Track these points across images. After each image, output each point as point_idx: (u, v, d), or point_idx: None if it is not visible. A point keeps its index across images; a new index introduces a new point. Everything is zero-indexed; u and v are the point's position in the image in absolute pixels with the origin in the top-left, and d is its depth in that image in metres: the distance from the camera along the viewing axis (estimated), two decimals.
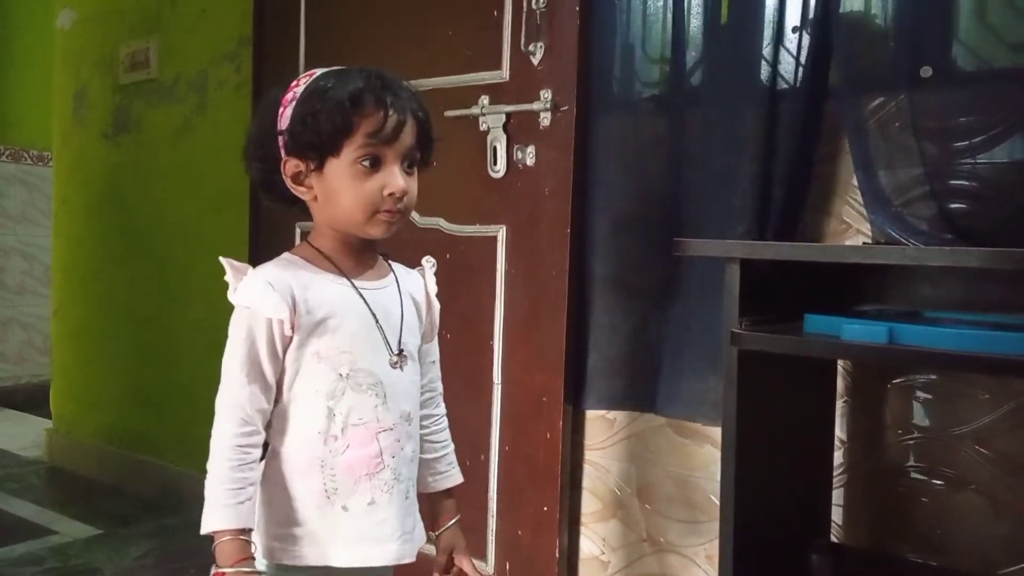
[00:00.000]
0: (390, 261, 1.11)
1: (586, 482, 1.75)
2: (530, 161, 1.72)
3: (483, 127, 1.77)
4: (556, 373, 1.68)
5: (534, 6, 1.70)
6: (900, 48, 1.33)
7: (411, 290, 1.10)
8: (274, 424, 1.01)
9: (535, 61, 1.71)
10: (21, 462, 3.00)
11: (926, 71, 1.29)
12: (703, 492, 1.59)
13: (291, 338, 0.98)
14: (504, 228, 1.76)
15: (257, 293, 0.97)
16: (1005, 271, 1.19)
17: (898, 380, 1.37)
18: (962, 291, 1.27)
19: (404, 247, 1.73)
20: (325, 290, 1.00)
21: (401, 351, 1.04)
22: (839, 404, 1.43)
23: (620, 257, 1.64)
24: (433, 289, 1.14)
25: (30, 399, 3.72)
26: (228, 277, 0.99)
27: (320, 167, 0.98)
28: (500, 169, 1.75)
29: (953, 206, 1.27)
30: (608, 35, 1.64)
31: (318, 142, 0.97)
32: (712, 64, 1.53)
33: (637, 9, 1.62)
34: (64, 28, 3.01)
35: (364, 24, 2.02)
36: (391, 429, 1.02)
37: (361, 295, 1.02)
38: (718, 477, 1.18)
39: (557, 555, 1.71)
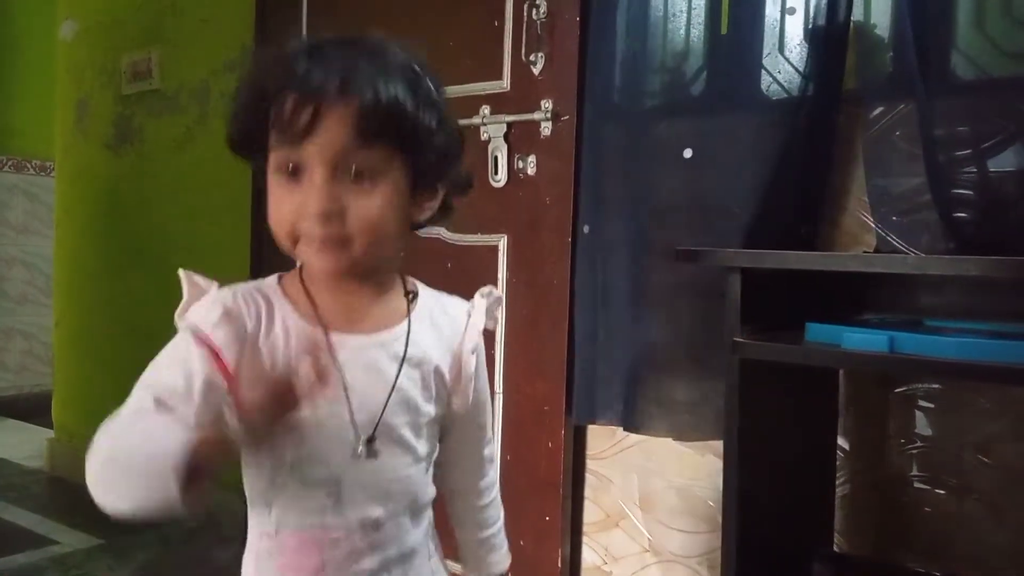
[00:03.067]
0: (420, 295, 0.85)
1: (588, 492, 1.75)
2: (531, 170, 1.72)
3: (484, 137, 1.78)
4: (557, 382, 1.68)
5: (535, 16, 1.70)
6: (901, 58, 1.33)
7: (432, 344, 0.83)
8: None
9: (536, 71, 1.71)
10: (22, 471, 2.99)
11: (928, 82, 1.30)
12: (705, 502, 1.59)
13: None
14: (505, 237, 1.76)
15: (208, 317, 0.76)
16: (1006, 279, 1.19)
17: (900, 389, 1.37)
18: (964, 300, 1.27)
19: (405, 258, 1.74)
20: (289, 337, 0.76)
21: (372, 438, 0.77)
22: (841, 413, 1.43)
23: (622, 266, 1.64)
24: (473, 340, 0.87)
25: (32, 409, 3.71)
26: (184, 292, 0.80)
27: (256, 171, 0.79)
28: (501, 178, 1.76)
29: (955, 215, 1.27)
30: (608, 45, 1.65)
31: (238, 140, 0.78)
32: (712, 73, 1.54)
33: (637, 19, 1.62)
34: (66, 39, 3.03)
35: (365, 33, 2.02)
36: (342, 539, 0.77)
37: (331, 352, 0.76)
38: (720, 487, 1.18)
39: (559, 565, 1.70)
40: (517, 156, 1.74)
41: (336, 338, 0.77)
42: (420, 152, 0.76)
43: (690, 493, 1.61)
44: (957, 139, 1.27)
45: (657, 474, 1.65)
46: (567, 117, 1.67)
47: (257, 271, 2.27)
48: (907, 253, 1.30)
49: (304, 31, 2.15)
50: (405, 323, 0.82)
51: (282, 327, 0.77)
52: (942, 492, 1.34)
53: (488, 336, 1.75)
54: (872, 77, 1.38)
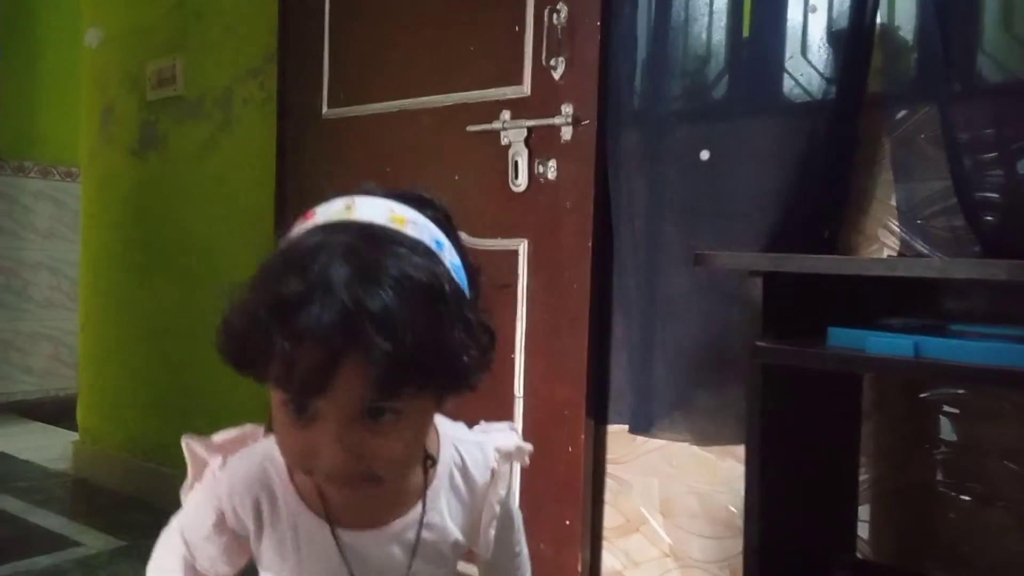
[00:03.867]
0: (440, 461, 0.79)
1: (608, 496, 1.74)
2: (551, 175, 1.72)
3: (504, 141, 1.78)
4: (578, 386, 1.68)
5: (555, 21, 1.71)
6: (927, 60, 1.32)
7: (451, 516, 0.79)
8: None
9: (556, 76, 1.71)
10: (47, 474, 3.02)
11: (953, 84, 1.29)
12: (726, 507, 1.58)
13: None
14: (525, 242, 1.77)
15: (200, 529, 0.76)
16: None
17: (924, 394, 1.36)
18: (989, 304, 1.26)
19: None
20: (297, 535, 0.74)
21: None
22: (864, 419, 1.41)
23: (642, 271, 1.64)
24: (492, 512, 0.81)
25: (57, 412, 3.76)
26: (188, 464, 0.79)
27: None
28: (522, 183, 1.76)
29: (981, 218, 1.26)
30: (629, 49, 1.65)
31: (234, 362, 0.68)
32: (735, 77, 1.53)
33: (658, 23, 1.62)
34: (92, 46, 3.06)
35: (387, 40, 2.04)
36: None
37: (340, 549, 0.73)
38: (742, 492, 1.17)
39: (579, 569, 1.70)
40: (537, 161, 1.74)
41: (346, 536, 0.73)
42: (450, 382, 0.67)
43: (711, 498, 1.60)
44: (983, 142, 1.26)
45: (677, 479, 1.64)
46: (587, 122, 1.67)
47: None
48: (932, 257, 1.28)
49: (326, 38, 2.17)
50: (419, 508, 0.76)
51: (289, 522, 0.73)
52: (967, 499, 1.32)
53: (508, 340, 1.76)
54: (897, 79, 1.37)
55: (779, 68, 1.45)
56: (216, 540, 0.76)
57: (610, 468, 1.74)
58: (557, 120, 1.70)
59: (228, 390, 2.34)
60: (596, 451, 1.74)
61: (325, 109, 2.18)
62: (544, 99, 1.73)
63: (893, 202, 1.36)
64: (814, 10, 1.44)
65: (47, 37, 4.11)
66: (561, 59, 1.70)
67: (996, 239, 1.23)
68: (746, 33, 1.50)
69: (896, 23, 1.38)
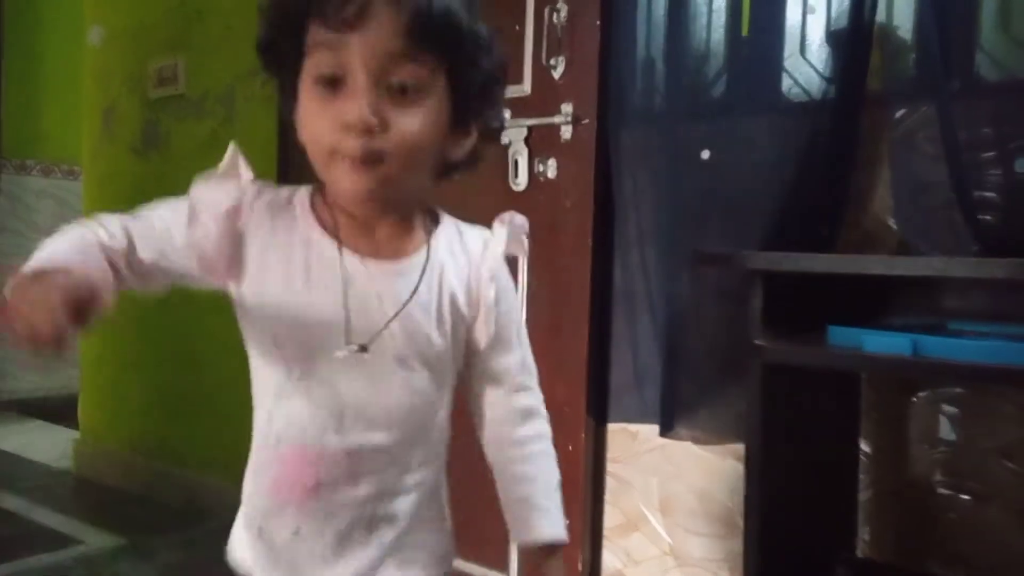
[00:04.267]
0: (442, 223, 0.82)
1: (608, 496, 1.75)
2: (551, 174, 1.73)
3: (505, 141, 1.78)
4: (578, 385, 1.68)
5: (555, 20, 1.71)
6: (925, 59, 1.33)
7: (449, 274, 0.79)
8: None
9: (556, 75, 1.71)
10: (49, 472, 3.03)
11: (952, 83, 1.29)
12: (726, 506, 1.58)
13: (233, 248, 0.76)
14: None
15: (211, 200, 0.76)
16: None
17: (923, 393, 1.36)
18: (988, 303, 1.26)
19: None
20: (308, 250, 0.75)
21: (364, 347, 0.74)
22: (863, 418, 1.42)
23: (641, 269, 1.64)
24: (490, 267, 0.82)
25: (58, 410, 3.76)
26: (223, 164, 0.79)
27: (294, 92, 0.74)
28: (521, 182, 1.76)
29: (979, 217, 1.26)
30: (629, 48, 1.65)
31: (269, 48, 0.75)
32: (733, 76, 1.53)
33: (657, 22, 1.63)
34: (94, 45, 3.07)
35: None
36: (341, 460, 0.75)
37: (342, 262, 0.74)
38: (742, 491, 1.17)
39: (580, 568, 1.70)
40: (537, 160, 1.75)
41: (349, 259, 0.75)
42: (467, 73, 0.72)
43: (710, 497, 1.60)
44: (981, 141, 1.26)
45: (677, 478, 1.64)
46: (587, 121, 1.67)
47: None
48: (931, 255, 1.29)
49: None
50: (423, 253, 0.78)
51: (302, 238, 0.75)
52: (966, 497, 1.32)
53: None
54: (896, 79, 1.37)
55: (778, 67, 1.45)
56: (212, 226, 0.74)
57: (610, 467, 1.74)
58: (557, 119, 1.70)
59: (228, 388, 2.35)
60: (596, 450, 1.74)
61: None
62: (544, 98, 1.74)
63: (892, 201, 1.36)
64: (812, 11, 1.45)
65: (50, 36, 4.12)
66: (561, 58, 1.71)
67: (994, 238, 1.23)
68: (745, 32, 1.50)
69: (895, 23, 1.39)
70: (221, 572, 0.83)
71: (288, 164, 2.31)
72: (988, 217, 1.25)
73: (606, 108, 1.67)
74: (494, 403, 0.85)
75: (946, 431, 1.34)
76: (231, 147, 0.78)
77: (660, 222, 1.61)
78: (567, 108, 1.69)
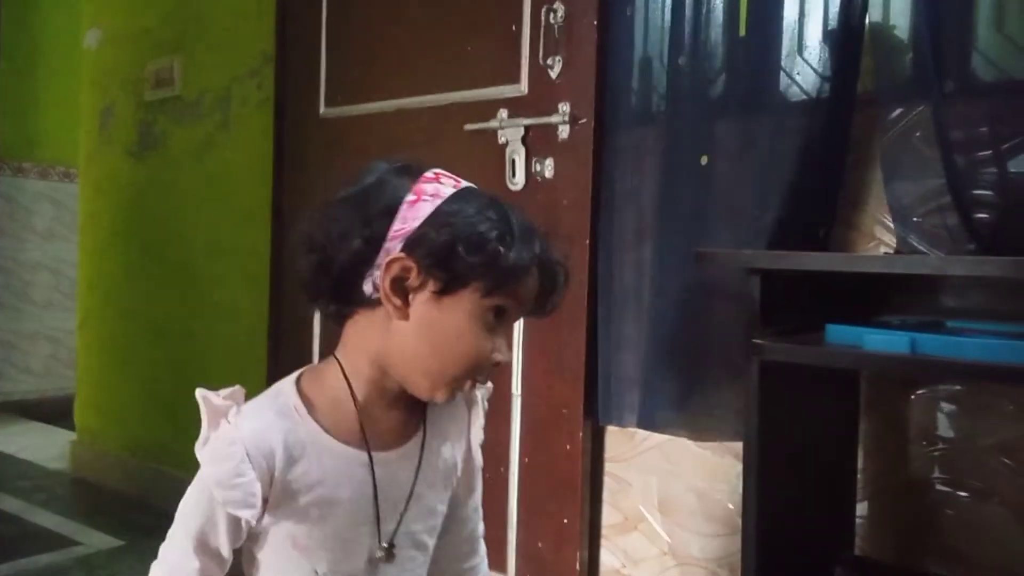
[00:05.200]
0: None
1: (607, 495, 1.75)
2: (549, 174, 1.73)
3: (502, 140, 1.78)
4: (576, 385, 1.68)
5: (552, 20, 1.71)
6: (921, 59, 1.33)
7: (444, 446, 0.89)
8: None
9: (553, 74, 1.72)
10: (46, 473, 3.03)
11: (947, 83, 1.29)
12: (725, 505, 1.58)
13: (263, 513, 0.79)
14: None
15: (225, 473, 0.77)
16: None
17: (921, 391, 1.36)
18: (985, 301, 1.26)
19: None
20: (323, 465, 0.80)
21: (391, 545, 0.83)
22: (862, 416, 1.42)
23: (639, 269, 1.64)
24: (478, 438, 0.93)
25: (55, 411, 3.76)
26: (203, 416, 0.79)
27: (440, 293, 0.78)
28: (519, 182, 1.76)
29: (975, 216, 1.26)
30: (626, 48, 1.65)
31: (458, 270, 0.77)
32: (731, 76, 1.53)
33: (655, 22, 1.63)
34: (91, 48, 3.07)
35: (384, 40, 2.04)
36: None
37: (372, 472, 0.82)
38: (740, 490, 1.17)
39: (578, 568, 1.70)
40: (535, 159, 1.75)
41: (376, 455, 0.82)
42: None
43: (709, 496, 1.60)
44: (977, 140, 1.26)
45: (676, 477, 1.65)
46: (584, 120, 1.67)
47: (277, 274, 2.29)
48: (928, 254, 1.29)
49: (323, 39, 2.17)
50: (420, 432, 0.87)
51: (315, 451, 0.79)
52: (965, 495, 1.32)
53: None
54: (890, 78, 1.38)
55: (776, 67, 1.45)
56: (242, 484, 0.76)
57: (608, 466, 1.74)
58: (554, 119, 1.70)
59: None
60: (594, 449, 1.74)
61: (323, 109, 2.18)
62: (541, 98, 1.74)
63: (888, 200, 1.36)
64: (808, 12, 1.45)
65: (47, 39, 4.12)
66: (558, 58, 1.71)
67: (990, 236, 1.23)
68: (742, 32, 1.50)
69: (890, 22, 1.39)
70: None
71: (284, 167, 2.31)
72: (984, 216, 1.26)
73: (603, 107, 1.67)
74: (456, 542, 0.96)
75: (944, 429, 1.34)
76: (198, 394, 0.79)
77: (655, 221, 1.61)
78: (564, 108, 1.69)
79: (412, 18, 1.99)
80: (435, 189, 0.81)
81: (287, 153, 2.30)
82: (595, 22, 1.65)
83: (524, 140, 1.76)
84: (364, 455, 0.81)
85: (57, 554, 2.22)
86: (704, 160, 1.52)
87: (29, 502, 2.66)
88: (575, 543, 1.70)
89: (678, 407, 1.58)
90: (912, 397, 1.37)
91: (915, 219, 1.32)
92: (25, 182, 4.13)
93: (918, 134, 1.33)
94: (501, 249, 0.78)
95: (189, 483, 0.83)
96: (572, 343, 1.69)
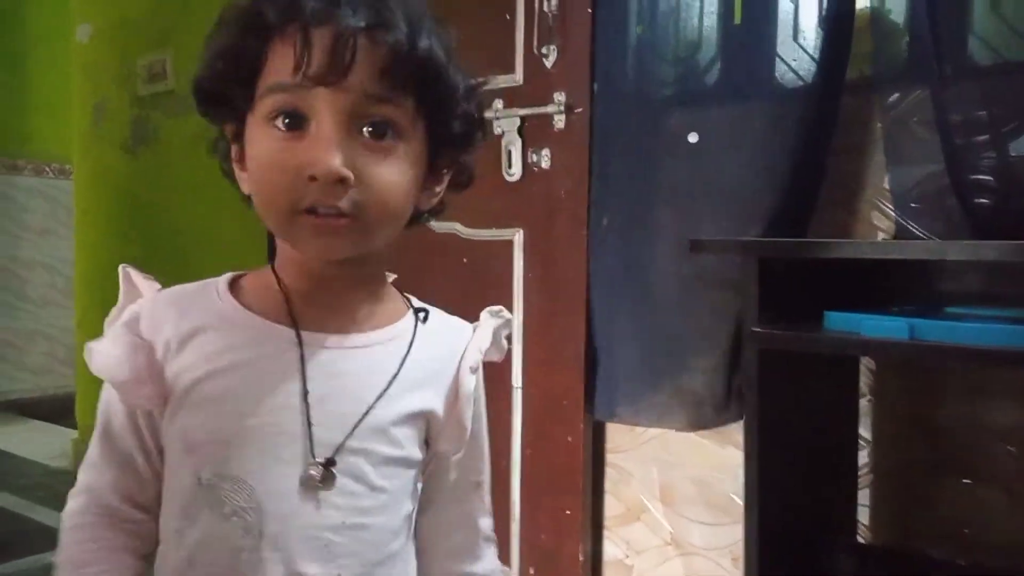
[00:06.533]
0: (429, 313, 0.71)
1: (608, 485, 1.75)
2: (545, 164, 1.72)
3: (498, 131, 1.77)
4: (575, 376, 1.68)
5: (546, 9, 1.70)
6: (917, 43, 1.32)
7: (437, 358, 0.68)
8: None
9: (548, 64, 1.71)
10: (47, 472, 3.03)
11: (945, 67, 1.28)
12: (726, 494, 1.58)
13: (162, 402, 0.63)
14: (520, 231, 1.76)
15: (113, 355, 0.62)
16: None
17: (921, 377, 1.36)
18: (984, 286, 1.26)
19: (418, 253, 1.74)
20: (232, 337, 0.63)
21: (330, 461, 0.60)
22: (862, 402, 1.42)
23: (637, 258, 1.63)
24: (474, 358, 0.69)
25: (54, 410, 3.76)
26: (120, 294, 0.67)
27: (240, 132, 0.63)
28: (515, 172, 1.75)
29: (974, 201, 1.26)
30: (620, 36, 1.64)
31: (218, 88, 0.63)
32: (726, 64, 1.52)
33: (649, 9, 1.62)
34: (82, 42, 3.05)
35: None
36: None
37: (301, 352, 0.62)
38: (741, 478, 1.17)
39: (581, 559, 1.70)
40: (531, 150, 1.74)
41: (310, 336, 0.63)
42: (445, 119, 0.64)
43: (711, 485, 1.60)
44: (975, 124, 1.26)
45: (677, 467, 1.65)
46: (580, 110, 1.67)
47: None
48: (926, 239, 1.28)
49: None
50: (406, 326, 0.67)
51: (227, 329, 0.64)
52: (966, 480, 1.32)
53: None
54: (888, 63, 1.37)
55: (771, 54, 1.44)
56: (130, 358, 0.61)
57: (610, 457, 1.74)
58: (550, 108, 1.69)
59: None
60: (595, 440, 1.74)
61: None
62: (536, 88, 1.73)
63: (886, 185, 1.36)
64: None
65: (37, 34, 4.09)
66: (553, 47, 1.70)
67: (989, 221, 1.23)
68: (737, 20, 1.49)
69: (887, 7, 1.38)
70: None
71: None
72: (983, 200, 1.25)
73: (599, 96, 1.66)
74: (454, 527, 0.73)
75: (944, 415, 1.34)
76: (120, 271, 0.69)
77: (654, 210, 1.60)
78: (560, 97, 1.69)
79: None
80: None
81: None
82: (589, 10, 1.64)
83: (520, 130, 1.75)
84: (291, 332, 0.62)
85: None
86: (693, 137, 1.51)
87: (30, 500, 2.66)
88: (578, 535, 1.70)
89: (675, 397, 1.57)
90: (912, 383, 1.37)
91: (913, 204, 1.32)
92: (19, 179, 4.11)
93: (916, 118, 1.33)
94: (220, 30, 0.63)
95: None
96: (571, 335, 1.69)
